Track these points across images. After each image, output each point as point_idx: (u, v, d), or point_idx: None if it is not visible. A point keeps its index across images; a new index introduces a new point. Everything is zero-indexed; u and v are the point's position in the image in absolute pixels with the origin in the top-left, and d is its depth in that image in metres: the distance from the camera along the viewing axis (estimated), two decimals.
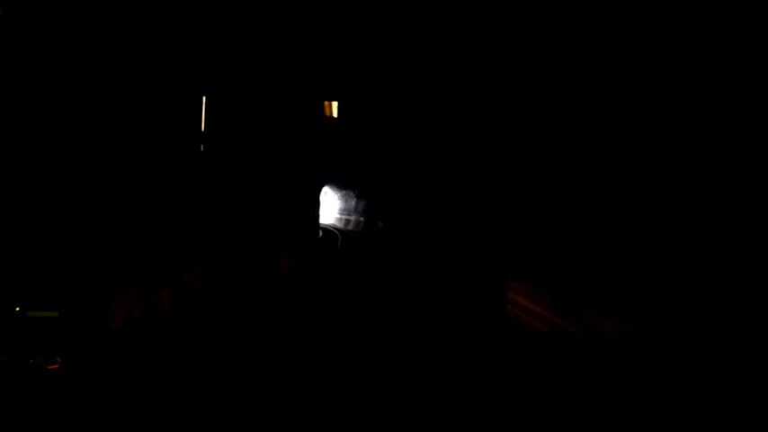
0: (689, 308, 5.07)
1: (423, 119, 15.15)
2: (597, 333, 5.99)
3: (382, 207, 25.12)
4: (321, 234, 26.66)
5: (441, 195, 13.82)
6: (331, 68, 13.52)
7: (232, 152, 11.74)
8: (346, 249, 22.06)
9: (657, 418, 3.17)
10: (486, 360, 4.13)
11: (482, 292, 10.03)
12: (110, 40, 7.26)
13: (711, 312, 4.83)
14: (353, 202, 30.84)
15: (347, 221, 32.39)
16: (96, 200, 6.95)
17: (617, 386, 3.60)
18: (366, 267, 16.85)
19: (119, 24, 7.39)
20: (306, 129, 17.40)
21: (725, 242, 4.83)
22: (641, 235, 5.98)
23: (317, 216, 25.49)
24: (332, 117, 18.10)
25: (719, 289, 4.82)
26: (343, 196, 32.19)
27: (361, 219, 29.73)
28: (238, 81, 11.68)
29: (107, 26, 7.20)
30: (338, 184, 29.49)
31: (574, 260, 7.44)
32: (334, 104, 18.00)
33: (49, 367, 3.14)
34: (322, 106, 17.65)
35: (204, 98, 11.65)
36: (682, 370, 3.96)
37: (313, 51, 11.89)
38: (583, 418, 3.17)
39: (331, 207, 36.39)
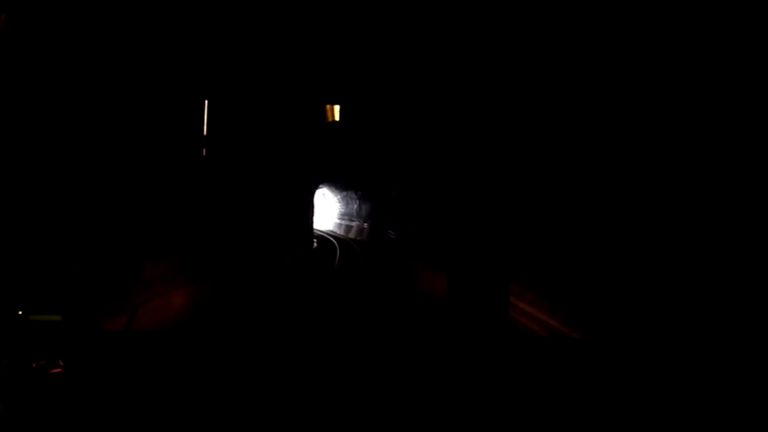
0: (689, 309, 5.15)
1: (428, 116, 14.09)
2: (598, 335, 6.12)
3: (393, 210, 21.03)
4: (315, 244, 22.58)
5: (444, 197, 13.38)
6: (331, 61, 12.80)
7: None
8: (346, 266, 17.20)
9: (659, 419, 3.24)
10: (490, 365, 4.24)
11: (484, 297, 9.96)
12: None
13: (711, 314, 4.90)
14: (355, 205, 26.99)
15: (348, 228, 28.51)
16: (100, 204, 7.06)
17: (620, 388, 3.68)
18: (377, 298, 12.20)
19: (123, 29, 7.46)
20: (298, 120, 15.31)
21: (725, 246, 4.86)
22: (640, 237, 6.04)
23: (308, 222, 21.26)
24: (332, 112, 17.28)
25: (720, 291, 4.88)
26: (343, 198, 28.28)
27: (365, 225, 25.82)
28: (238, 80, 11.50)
29: (110, 30, 7.27)
30: (337, 184, 25.66)
31: (574, 263, 7.44)
32: (336, 108, 17.46)
33: (52, 371, 3.19)
34: (324, 110, 17.09)
35: (207, 102, 11.51)
36: (682, 371, 4.06)
37: (312, 43, 11.56)
38: (588, 419, 3.23)
39: (330, 211, 32.68)
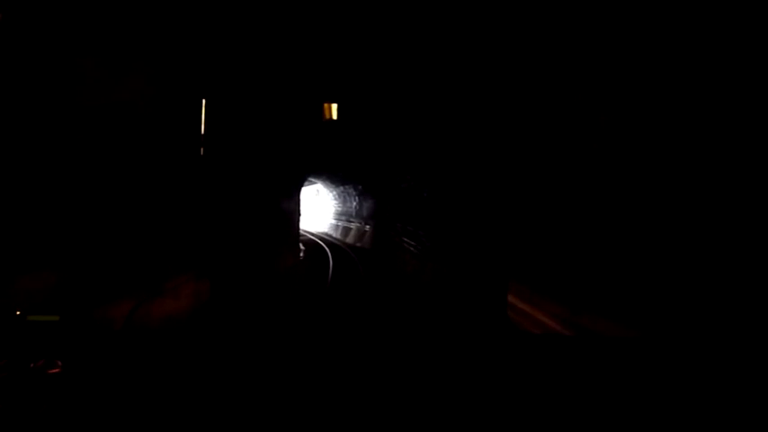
0: (686, 308, 5.23)
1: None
2: (597, 335, 6.21)
3: (408, 209, 15.72)
4: (303, 254, 18.18)
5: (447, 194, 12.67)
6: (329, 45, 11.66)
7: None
8: (340, 289, 12.00)
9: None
10: (489, 365, 4.30)
11: (483, 297, 9.85)
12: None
13: (708, 311, 4.98)
14: (354, 203, 22.25)
15: (346, 230, 23.94)
16: (97, 202, 6.92)
17: (619, 387, 3.74)
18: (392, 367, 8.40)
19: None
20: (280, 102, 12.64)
21: (719, 243, 4.96)
22: (638, 234, 6.06)
23: (291, 228, 17.00)
24: (329, 111, 16.42)
25: (715, 288, 4.96)
26: (340, 194, 23.67)
27: (367, 228, 21.11)
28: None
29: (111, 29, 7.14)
30: (333, 178, 21.24)
31: (572, 262, 7.34)
32: (334, 107, 16.80)
33: (50, 371, 3.26)
34: (321, 107, 16.41)
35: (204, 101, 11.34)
36: (681, 370, 4.14)
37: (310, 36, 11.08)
38: (587, 419, 3.27)
39: (324, 210, 28.34)
